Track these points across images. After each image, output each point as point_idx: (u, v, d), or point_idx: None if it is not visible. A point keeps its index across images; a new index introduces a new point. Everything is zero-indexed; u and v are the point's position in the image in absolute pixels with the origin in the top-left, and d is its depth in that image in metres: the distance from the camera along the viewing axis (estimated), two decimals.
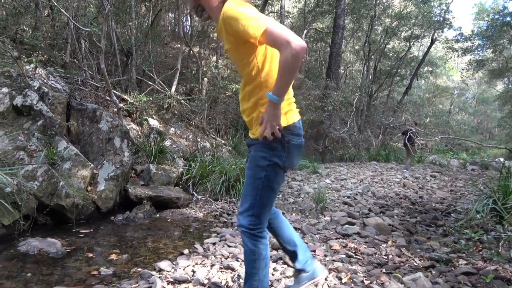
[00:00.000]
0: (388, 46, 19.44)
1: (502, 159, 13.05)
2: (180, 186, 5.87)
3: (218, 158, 6.32)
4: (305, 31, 15.73)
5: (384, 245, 3.50)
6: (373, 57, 18.57)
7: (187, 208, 5.26)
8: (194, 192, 5.66)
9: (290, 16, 18.51)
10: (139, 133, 6.74)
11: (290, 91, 1.73)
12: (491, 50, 19.43)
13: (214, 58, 10.93)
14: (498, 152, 20.67)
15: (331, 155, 11.57)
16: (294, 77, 1.51)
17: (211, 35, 12.73)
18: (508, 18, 17.46)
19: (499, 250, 2.88)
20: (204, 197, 5.58)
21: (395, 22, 18.16)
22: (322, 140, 12.06)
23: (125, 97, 7.37)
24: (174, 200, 5.20)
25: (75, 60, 7.31)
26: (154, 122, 7.40)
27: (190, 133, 7.90)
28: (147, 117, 7.27)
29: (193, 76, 9.84)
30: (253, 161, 1.73)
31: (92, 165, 4.72)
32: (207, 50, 11.97)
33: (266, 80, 1.66)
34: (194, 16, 13.02)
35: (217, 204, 5.38)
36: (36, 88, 4.99)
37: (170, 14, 16.51)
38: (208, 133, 8.39)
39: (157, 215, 4.88)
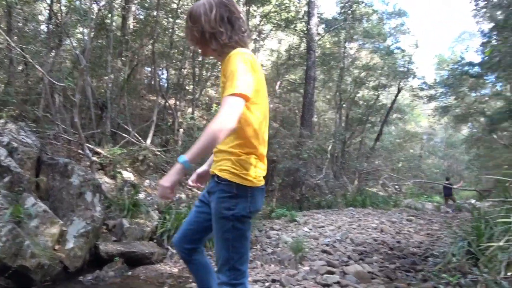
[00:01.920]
0: (358, 95, 20.36)
1: (473, 201, 13.40)
2: (155, 241, 5.66)
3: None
4: (278, 82, 16.35)
5: None
6: (344, 105, 19.33)
7: (162, 264, 5.04)
8: (169, 246, 5.46)
9: (264, 68, 19.30)
10: (112, 186, 6.58)
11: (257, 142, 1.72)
12: (454, 97, 20.61)
13: (190, 110, 11.07)
14: (469, 194, 21.20)
15: (309, 203, 11.55)
16: (208, 149, 1.50)
17: (187, 88, 13.00)
18: (466, 68, 18.79)
19: None
20: None
21: (363, 73, 19.20)
22: (299, 188, 12.09)
23: (99, 150, 7.27)
24: (147, 256, 4.99)
25: (48, 114, 7.25)
26: (128, 175, 7.27)
27: None
28: (120, 170, 7.14)
29: (169, 128, 9.88)
30: (217, 214, 1.68)
31: (61, 222, 4.52)
32: (183, 102, 12.14)
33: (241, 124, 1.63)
34: (170, 69, 13.36)
35: None
36: (5, 143, 4.87)
37: (146, 68, 16.87)
38: (183, 184, 8.28)
39: (130, 273, 4.65)
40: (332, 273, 4.12)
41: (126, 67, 10.60)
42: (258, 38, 15.52)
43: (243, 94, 1.50)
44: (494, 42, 13.67)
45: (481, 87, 20.08)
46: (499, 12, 14.69)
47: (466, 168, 28.31)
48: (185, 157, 1.51)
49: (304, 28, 14.86)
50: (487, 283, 2.90)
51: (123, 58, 10.36)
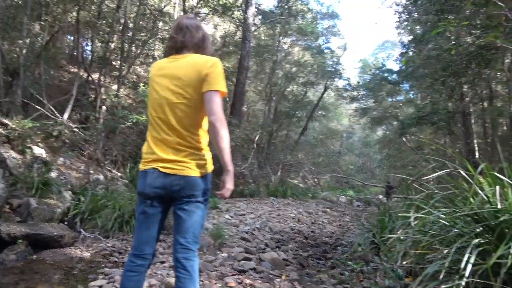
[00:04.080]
0: (287, 89, 20.95)
1: (381, 196, 14.72)
2: (66, 223, 5.29)
3: (112, 192, 5.91)
4: None
5: (278, 280, 3.59)
6: (274, 98, 19.78)
7: (72, 248, 4.73)
8: (81, 229, 5.15)
9: None
10: (20, 162, 5.99)
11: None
12: (373, 100, 22.22)
13: (115, 87, 10.40)
14: (378, 190, 23.19)
15: (232, 190, 11.66)
16: None
17: (114, 63, 12.20)
18: (385, 74, 20.39)
19: (377, 280, 3.18)
20: (93, 235, 5.11)
21: (294, 68, 19.80)
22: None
23: (6, 121, 6.54)
24: (56, 239, 4.64)
25: None
26: (39, 151, 6.66)
27: (82, 164, 7.28)
28: (31, 145, 6.52)
29: (90, 104, 9.18)
30: None
31: None
32: (108, 78, 11.36)
33: None
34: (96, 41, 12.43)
35: (107, 242, 4.96)
36: None
37: (69, 37, 15.46)
38: (103, 165, 7.83)
39: (34, 256, 4.29)
40: (249, 259, 4.24)
41: (45, 32, 9.61)
42: None
43: None
44: (411, 53, 15.00)
45: (397, 94, 21.89)
46: (418, 27, 16.11)
47: (377, 166, 30.84)
48: None
49: (241, 17, 14.82)
50: (385, 271, 3.22)
51: (42, 23, 9.38)
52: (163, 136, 1.87)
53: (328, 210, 10.45)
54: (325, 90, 22.21)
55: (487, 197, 1.98)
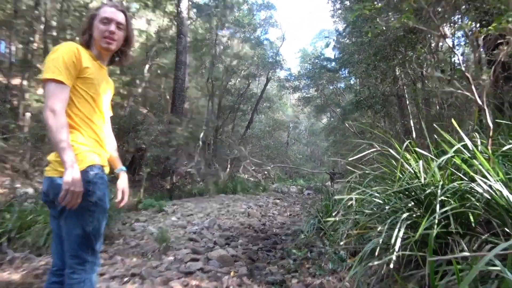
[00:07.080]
0: (230, 83, 20.79)
1: (329, 183, 15.11)
2: None
3: (43, 206, 5.42)
4: (147, 66, 15.50)
5: (227, 277, 3.48)
6: (217, 93, 19.53)
7: None
8: (8, 250, 4.66)
9: (132, 49, 18.06)
10: None
11: None
12: (315, 89, 22.75)
13: (40, 91, 9.59)
14: (327, 177, 23.88)
15: (180, 191, 11.36)
16: None
17: (38, 65, 11.26)
18: (325, 63, 20.97)
19: (322, 264, 3.17)
20: (23, 254, 4.64)
21: (235, 61, 19.67)
22: (169, 177, 11.78)
23: None
24: None
25: None
26: None
27: (7, 178, 6.62)
28: None
29: (11, 111, 8.35)
30: None
31: None
32: (32, 82, 10.43)
33: None
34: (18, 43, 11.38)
35: (40, 260, 4.54)
36: None
37: None
38: (32, 177, 7.19)
39: None
40: (196, 260, 4.10)
41: None
42: None
43: None
44: (347, 41, 15.47)
45: (337, 81, 22.60)
46: (350, 15, 16.66)
47: (324, 153, 31.77)
48: None
49: (175, 11, 14.37)
50: (328, 254, 3.22)
51: None
52: None
53: (278, 201, 10.52)
54: (268, 81, 22.36)
55: (415, 172, 2.00)
